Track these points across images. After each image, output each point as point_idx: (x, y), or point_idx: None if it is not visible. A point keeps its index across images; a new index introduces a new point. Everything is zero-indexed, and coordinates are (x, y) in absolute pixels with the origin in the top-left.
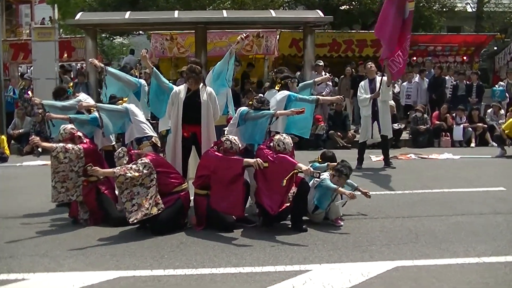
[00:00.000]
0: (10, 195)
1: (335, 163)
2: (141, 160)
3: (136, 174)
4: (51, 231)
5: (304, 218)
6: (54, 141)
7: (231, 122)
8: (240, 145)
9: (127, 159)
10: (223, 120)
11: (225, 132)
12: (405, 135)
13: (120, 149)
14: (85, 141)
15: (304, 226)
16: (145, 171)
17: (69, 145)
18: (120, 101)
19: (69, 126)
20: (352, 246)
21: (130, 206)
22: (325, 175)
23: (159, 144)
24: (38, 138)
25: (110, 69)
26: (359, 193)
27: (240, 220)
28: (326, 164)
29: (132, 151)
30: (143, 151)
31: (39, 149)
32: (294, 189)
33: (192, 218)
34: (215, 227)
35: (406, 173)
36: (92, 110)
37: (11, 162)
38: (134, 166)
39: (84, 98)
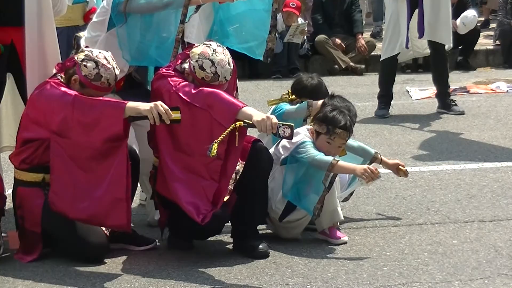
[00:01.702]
0: None
1: (322, 101)
2: None
3: None
4: None
5: (260, 228)
6: None
7: (93, 19)
8: (118, 71)
9: None
10: (76, 15)
11: (82, 42)
12: (485, 41)
13: None
14: None
15: (261, 246)
16: None
17: None
18: None
19: None
20: (370, 286)
21: None
22: (304, 133)
23: None
24: None
25: None
26: (383, 168)
27: (121, 239)
28: (305, 103)
29: None
30: None
31: None
32: (240, 166)
33: (11, 236)
34: (65, 254)
35: (486, 125)
36: None
37: None
38: None
39: None
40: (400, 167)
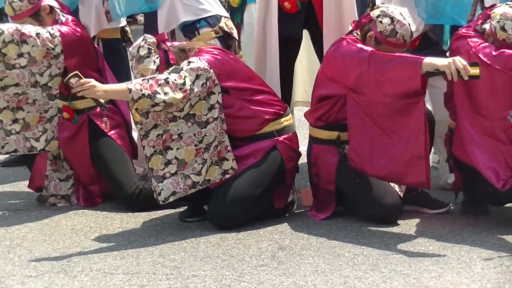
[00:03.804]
0: None
1: None
2: (189, 62)
3: (179, 95)
4: None
5: None
6: None
7: None
8: (413, 28)
9: (157, 60)
10: None
11: (378, 0)
12: None
13: (141, 38)
14: (63, 18)
15: None
16: (196, 89)
17: (29, 28)
18: None
19: None
20: None
21: (161, 166)
22: None
23: (234, 34)
24: None
25: None
26: None
27: (414, 201)
28: None
29: (170, 43)
30: (194, 42)
31: None
32: None
33: (304, 193)
34: (357, 214)
35: None
36: None
37: None
38: (173, 77)
39: None
40: None
